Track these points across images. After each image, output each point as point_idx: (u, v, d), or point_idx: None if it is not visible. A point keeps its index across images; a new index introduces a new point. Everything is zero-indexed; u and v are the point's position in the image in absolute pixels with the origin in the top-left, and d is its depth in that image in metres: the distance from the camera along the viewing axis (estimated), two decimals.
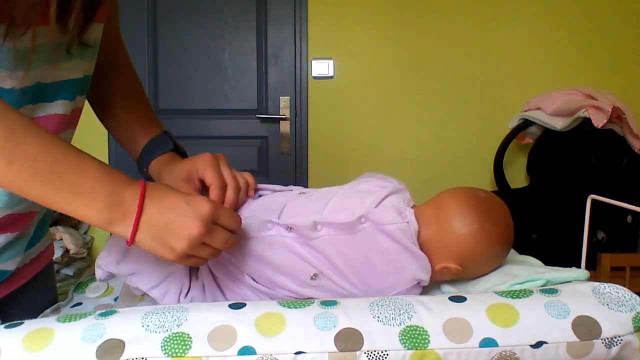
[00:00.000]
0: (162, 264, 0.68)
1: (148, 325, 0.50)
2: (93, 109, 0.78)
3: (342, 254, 0.65)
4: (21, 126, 0.49)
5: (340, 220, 0.66)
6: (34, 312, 0.71)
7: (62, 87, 0.60)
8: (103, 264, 0.66)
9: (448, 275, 0.69)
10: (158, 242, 0.54)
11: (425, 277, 0.66)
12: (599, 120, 1.84)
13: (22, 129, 0.49)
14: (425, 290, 0.70)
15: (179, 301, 0.67)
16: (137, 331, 0.49)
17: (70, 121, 0.64)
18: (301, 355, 0.48)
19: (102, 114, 0.79)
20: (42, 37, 0.54)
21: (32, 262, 0.72)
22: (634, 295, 0.55)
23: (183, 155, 0.76)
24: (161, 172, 0.72)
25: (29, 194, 0.51)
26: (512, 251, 0.78)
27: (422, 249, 0.67)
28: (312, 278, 0.66)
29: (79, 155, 0.52)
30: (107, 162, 2.41)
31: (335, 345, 0.49)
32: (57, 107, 0.60)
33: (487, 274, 0.71)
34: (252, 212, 0.71)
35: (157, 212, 0.53)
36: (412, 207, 0.71)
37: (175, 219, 0.53)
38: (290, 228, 0.66)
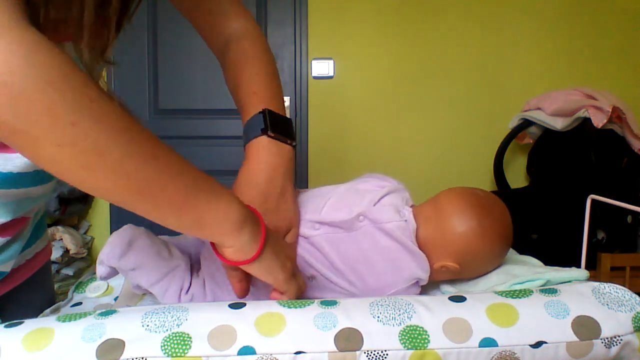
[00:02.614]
0: (163, 260, 0.68)
1: (148, 325, 0.50)
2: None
3: (340, 253, 0.65)
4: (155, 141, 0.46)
5: (339, 218, 0.66)
6: (30, 312, 0.71)
7: None
8: (105, 259, 0.66)
9: (447, 274, 0.69)
10: (276, 258, 0.55)
11: (424, 276, 0.66)
12: (599, 120, 1.84)
13: (152, 134, 0.46)
14: (425, 290, 0.70)
15: (179, 298, 0.67)
16: (137, 331, 0.49)
17: None
18: (301, 355, 0.48)
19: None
20: (71, 52, 0.52)
21: (28, 263, 0.72)
22: (634, 295, 0.55)
23: (283, 130, 0.67)
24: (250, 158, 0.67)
25: (164, 193, 0.46)
26: (512, 251, 0.78)
27: (420, 248, 0.67)
28: (309, 279, 0.66)
29: (203, 173, 0.50)
30: None
31: (335, 345, 0.49)
32: None
33: (486, 273, 0.71)
34: None
35: (272, 237, 0.55)
36: (411, 207, 0.71)
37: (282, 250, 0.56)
38: None
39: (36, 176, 0.59)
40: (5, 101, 0.37)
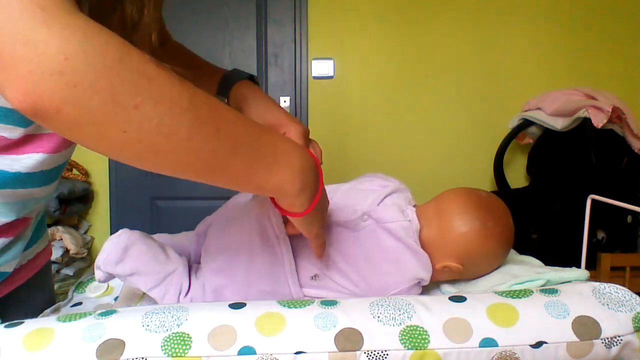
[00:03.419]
0: (160, 264, 0.68)
1: (148, 325, 0.50)
2: None
3: (343, 252, 0.65)
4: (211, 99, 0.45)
5: (343, 218, 0.66)
6: (31, 312, 0.71)
7: None
8: (102, 265, 0.66)
9: (448, 275, 0.69)
10: (319, 214, 0.57)
11: (426, 276, 0.66)
12: (599, 120, 1.84)
13: (214, 99, 0.45)
14: (425, 290, 0.70)
15: (178, 301, 0.67)
16: (137, 331, 0.49)
17: None
18: (301, 355, 0.48)
19: None
20: None
21: (29, 263, 0.72)
22: (634, 295, 0.55)
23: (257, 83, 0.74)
24: (247, 98, 0.69)
25: (228, 168, 0.45)
26: (512, 251, 0.78)
27: (423, 248, 0.67)
28: (312, 278, 0.66)
29: (247, 118, 0.50)
30: (106, 161, 2.41)
31: (335, 345, 0.49)
32: None
33: (487, 274, 0.71)
34: None
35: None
36: (414, 207, 0.71)
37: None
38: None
39: (42, 176, 0.59)
40: (64, 91, 0.35)
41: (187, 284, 0.68)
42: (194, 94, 0.42)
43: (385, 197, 0.70)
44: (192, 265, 0.72)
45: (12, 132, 0.53)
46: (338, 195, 0.72)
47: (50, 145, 0.57)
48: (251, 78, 0.72)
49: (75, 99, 0.36)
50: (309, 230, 0.59)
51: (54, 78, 0.35)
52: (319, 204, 0.55)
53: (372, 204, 0.69)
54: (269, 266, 0.66)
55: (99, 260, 0.67)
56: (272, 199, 0.54)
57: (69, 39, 0.35)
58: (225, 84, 0.71)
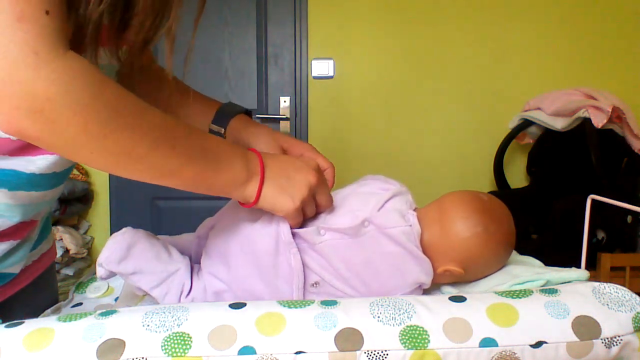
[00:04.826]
0: (163, 263, 0.68)
1: (148, 325, 0.50)
2: None
3: (345, 259, 0.65)
4: (166, 118, 0.53)
5: (345, 225, 0.66)
6: (35, 313, 0.71)
7: None
8: (104, 263, 0.66)
9: (450, 278, 0.69)
10: (281, 193, 0.61)
11: (427, 280, 0.66)
12: (599, 120, 1.84)
13: (170, 120, 0.53)
14: (425, 290, 0.70)
15: (179, 301, 0.67)
16: (138, 331, 0.49)
17: None
18: (301, 355, 0.48)
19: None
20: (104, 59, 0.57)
21: (34, 264, 0.72)
22: (634, 295, 0.55)
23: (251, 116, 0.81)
24: (242, 132, 0.75)
25: (182, 175, 0.54)
26: (513, 252, 0.78)
27: (424, 252, 0.67)
28: (313, 285, 0.66)
29: (197, 129, 0.57)
30: None
31: (335, 345, 0.49)
32: None
33: (487, 276, 0.71)
34: None
35: (277, 169, 0.61)
36: (415, 210, 0.71)
37: (295, 173, 0.62)
38: (294, 234, 0.66)
39: (54, 178, 0.61)
40: (42, 125, 0.43)
41: (189, 285, 0.68)
42: (154, 118, 0.50)
43: (386, 202, 0.70)
44: (194, 265, 0.72)
45: None
46: (338, 199, 0.71)
47: None
48: (247, 112, 0.80)
49: (52, 130, 0.43)
50: (280, 211, 0.62)
51: (36, 115, 0.42)
52: (270, 187, 0.60)
53: (373, 209, 0.68)
54: (273, 277, 0.66)
55: (102, 258, 0.67)
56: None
57: (55, 82, 0.42)
58: (222, 116, 0.77)
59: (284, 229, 0.65)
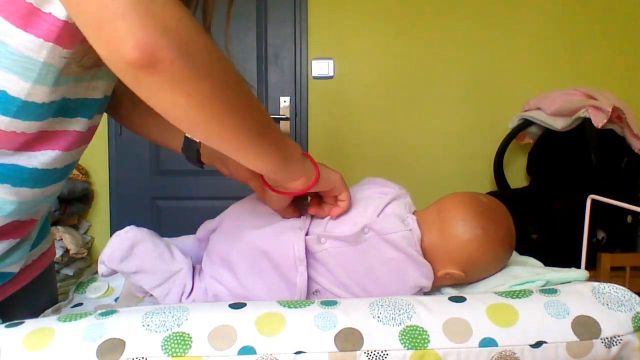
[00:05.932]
0: (165, 264, 0.68)
1: (148, 325, 0.50)
2: (108, 112, 0.77)
3: (345, 267, 0.65)
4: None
5: (345, 233, 0.66)
6: (35, 312, 0.71)
7: (83, 105, 0.60)
8: (107, 261, 0.66)
9: (450, 281, 0.69)
10: (330, 171, 0.69)
11: (428, 284, 0.66)
12: (599, 120, 1.83)
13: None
14: (425, 292, 0.70)
15: (180, 302, 0.67)
16: (138, 331, 0.49)
17: (85, 138, 0.64)
18: (301, 355, 0.49)
19: (123, 113, 0.78)
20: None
21: (34, 263, 0.72)
22: (634, 295, 0.55)
23: None
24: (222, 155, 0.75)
25: (267, 133, 0.55)
26: (513, 252, 0.78)
27: (424, 256, 0.67)
28: (313, 293, 0.66)
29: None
30: (106, 161, 2.41)
31: (335, 345, 0.49)
32: (76, 125, 0.60)
33: (487, 277, 0.71)
34: None
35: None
36: (414, 213, 0.71)
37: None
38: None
39: (55, 174, 0.61)
40: (179, 46, 0.42)
41: (190, 285, 0.68)
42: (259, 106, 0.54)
43: (385, 207, 0.70)
44: (196, 267, 0.72)
45: (29, 127, 0.54)
46: None
47: (63, 143, 0.59)
48: None
49: (187, 53, 0.42)
50: (336, 181, 0.69)
51: (172, 34, 0.41)
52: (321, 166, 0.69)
53: (372, 215, 0.68)
54: (277, 286, 0.66)
55: (104, 255, 0.66)
56: (265, 181, 0.64)
57: (178, 4, 0.42)
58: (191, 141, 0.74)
59: (299, 244, 0.65)
